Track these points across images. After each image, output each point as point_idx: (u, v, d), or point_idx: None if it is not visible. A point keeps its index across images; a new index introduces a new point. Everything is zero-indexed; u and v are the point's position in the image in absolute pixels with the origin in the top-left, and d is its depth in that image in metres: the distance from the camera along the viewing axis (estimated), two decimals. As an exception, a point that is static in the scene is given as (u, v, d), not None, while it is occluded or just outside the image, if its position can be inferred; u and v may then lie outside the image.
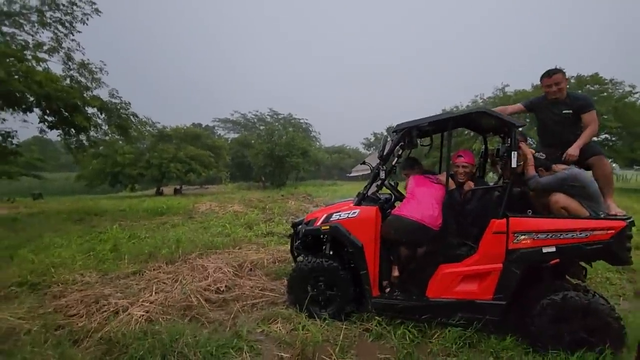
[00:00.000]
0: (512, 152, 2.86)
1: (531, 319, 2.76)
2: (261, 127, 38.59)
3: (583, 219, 2.78)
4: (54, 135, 11.71)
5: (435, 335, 2.97)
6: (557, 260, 2.76)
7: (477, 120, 3.34)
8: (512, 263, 2.81)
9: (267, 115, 47.28)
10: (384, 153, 3.22)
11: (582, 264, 3.11)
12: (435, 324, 3.05)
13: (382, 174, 3.27)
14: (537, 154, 3.13)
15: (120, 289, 4.00)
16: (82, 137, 11.56)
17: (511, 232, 2.80)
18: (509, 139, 2.94)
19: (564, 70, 3.45)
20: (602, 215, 2.84)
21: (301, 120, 44.51)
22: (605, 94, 19.33)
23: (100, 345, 2.83)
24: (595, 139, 3.83)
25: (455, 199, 3.26)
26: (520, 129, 3.01)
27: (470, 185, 3.21)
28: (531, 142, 3.68)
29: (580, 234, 2.69)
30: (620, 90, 19.39)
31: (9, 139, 10.44)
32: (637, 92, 19.13)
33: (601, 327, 2.61)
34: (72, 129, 10.56)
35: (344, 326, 3.14)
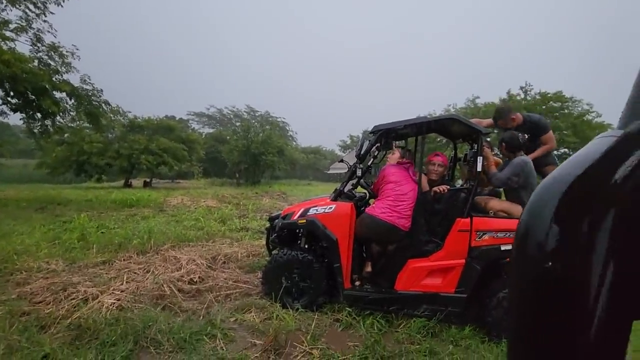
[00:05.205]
0: (478, 157, 3.10)
1: (488, 311, 3.01)
2: (237, 124, 38.16)
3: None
4: (13, 119, 11.12)
5: (401, 325, 3.16)
6: (513, 257, 3.03)
7: (448, 126, 3.57)
8: (474, 259, 3.05)
9: (244, 111, 46.80)
10: (361, 152, 3.37)
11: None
12: (402, 315, 3.24)
13: (359, 172, 3.42)
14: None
15: (89, 277, 3.92)
16: (48, 122, 11.03)
17: (474, 230, 3.04)
18: (476, 145, 3.19)
19: (503, 114, 3.79)
20: None
21: (278, 119, 44.44)
22: (566, 110, 20.71)
23: (69, 331, 2.79)
24: (555, 152, 4.22)
25: (427, 199, 3.47)
26: (487, 136, 3.27)
27: (444, 188, 3.40)
28: (497, 152, 3.98)
29: (534, 234, 2.96)
30: (579, 108, 20.85)
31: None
32: (593, 111, 20.66)
33: None
34: (38, 113, 10.05)
35: (316, 316, 3.26)
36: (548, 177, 0.40)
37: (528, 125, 3.78)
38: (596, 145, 0.38)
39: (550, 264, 0.33)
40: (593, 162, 0.36)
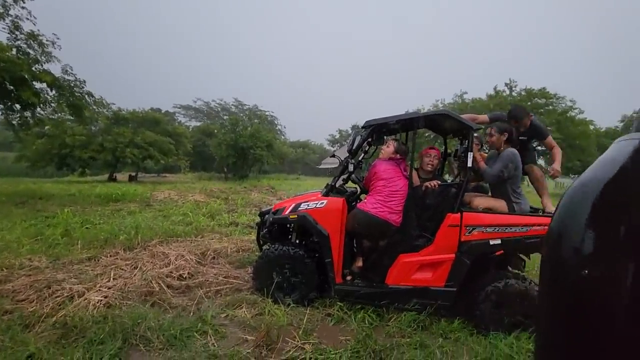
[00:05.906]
0: (469, 153, 3.13)
1: (476, 304, 3.07)
2: (225, 117, 37.69)
3: (524, 215, 3.13)
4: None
5: (392, 319, 3.19)
6: (502, 251, 3.09)
7: (440, 121, 3.59)
8: (463, 253, 3.10)
9: (232, 105, 46.24)
10: (353, 147, 3.36)
11: (522, 256, 3.49)
12: (393, 309, 3.27)
13: (350, 167, 3.42)
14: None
15: (74, 274, 3.82)
16: (27, 113, 10.65)
17: (464, 225, 3.08)
18: (467, 141, 3.21)
19: (520, 116, 3.65)
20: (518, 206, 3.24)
21: (267, 113, 44.03)
22: (550, 107, 21.16)
23: (55, 329, 2.72)
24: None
25: (418, 193, 3.49)
26: (476, 132, 3.29)
27: (435, 183, 3.43)
28: (485, 149, 4.00)
29: (522, 228, 3.03)
30: (563, 105, 21.32)
31: None
32: (576, 108, 21.17)
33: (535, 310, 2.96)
34: (17, 104, 9.69)
35: (308, 311, 3.26)
36: (577, 182, 0.39)
37: (532, 127, 3.78)
38: (620, 149, 0.38)
39: (586, 271, 0.32)
40: (623, 165, 0.35)
